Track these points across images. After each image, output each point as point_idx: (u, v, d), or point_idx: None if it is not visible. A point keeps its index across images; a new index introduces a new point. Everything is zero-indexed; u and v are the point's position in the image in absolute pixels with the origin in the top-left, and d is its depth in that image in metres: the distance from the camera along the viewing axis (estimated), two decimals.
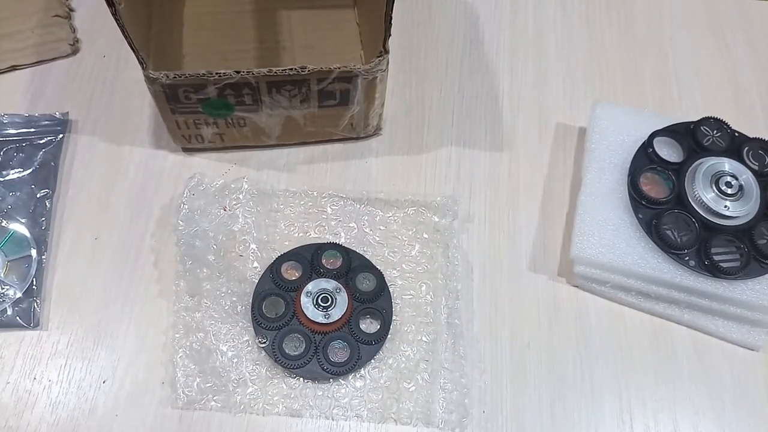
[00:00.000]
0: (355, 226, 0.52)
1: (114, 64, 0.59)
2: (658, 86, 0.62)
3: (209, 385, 0.45)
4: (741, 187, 0.50)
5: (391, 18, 0.45)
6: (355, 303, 0.48)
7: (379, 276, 0.49)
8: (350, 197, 0.53)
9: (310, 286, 0.48)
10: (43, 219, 0.51)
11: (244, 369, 0.46)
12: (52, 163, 0.54)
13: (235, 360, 0.46)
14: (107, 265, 0.50)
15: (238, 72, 0.46)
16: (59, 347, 0.47)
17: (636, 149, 0.53)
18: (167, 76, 0.46)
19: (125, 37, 0.43)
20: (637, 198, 0.51)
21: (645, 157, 0.52)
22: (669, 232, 0.48)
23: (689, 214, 0.49)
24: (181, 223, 0.51)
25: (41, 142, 0.54)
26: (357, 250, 0.51)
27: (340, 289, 0.48)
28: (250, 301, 0.48)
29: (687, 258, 0.48)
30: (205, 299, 0.48)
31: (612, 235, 0.50)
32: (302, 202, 0.53)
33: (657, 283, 0.49)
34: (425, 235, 0.52)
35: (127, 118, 0.57)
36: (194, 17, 0.59)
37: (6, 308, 0.48)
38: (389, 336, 0.47)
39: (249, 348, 0.47)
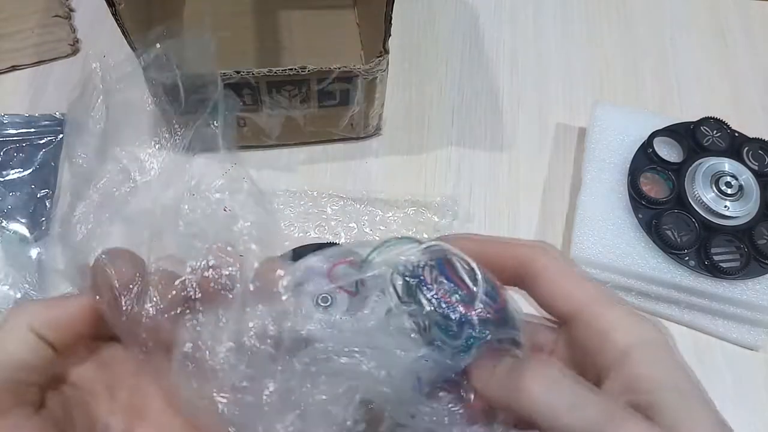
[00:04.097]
0: (355, 226, 0.52)
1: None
2: (658, 86, 0.62)
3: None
4: (741, 187, 0.50)
5: (391, 18, 0.45)
6: None
7: None
8: (350, 197, 0.53)
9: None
10: (43, 219, 0.51)
11: None
12: (52, 163, 0.54)
13: None
14: None
15: (238, 72, 0.46)
16: None
17: (636, 149, 0.53)
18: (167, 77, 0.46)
19: (125, 37, 0.43)
20: (637, 198, 0.51)
21: (645, 157, 0.52)
22: (669, 232, 0.48)
23: (689, 214, 0.49)
24: (180, 223, 0.51)
25: (41, 142, 0.54)
26: None
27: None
28: None
29: (687, 258, 0.48)
30: None
31: (612, 235, 0.50)
32: (302, 202, 0.53)
33: (657, 283, 0.49)
34: (425, 235, 0.52)
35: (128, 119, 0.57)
36: (194, 17, 0.59)
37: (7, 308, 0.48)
38: None
39: None
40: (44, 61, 0.59)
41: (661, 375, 0.25)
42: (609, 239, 0.50)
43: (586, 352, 0.27)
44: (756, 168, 0.51)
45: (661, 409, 0.24)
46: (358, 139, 0.57)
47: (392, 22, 0.45)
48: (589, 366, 0.27)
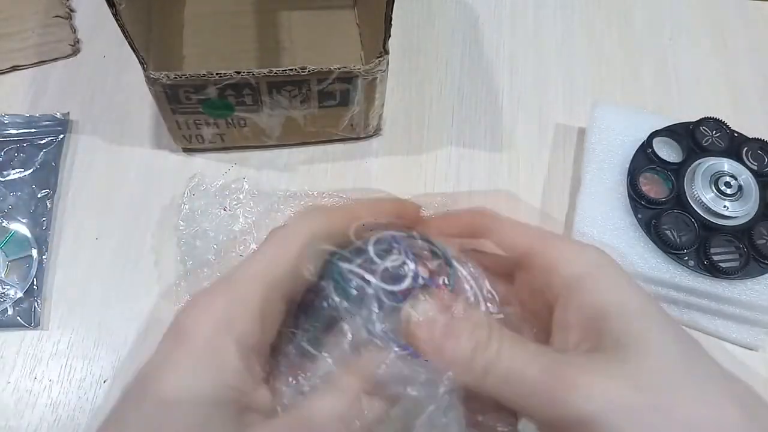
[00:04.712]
0: None
1: (114, 65, 0.60)
2: (658, 86, 0.62)
3: None
4: (740, 187, 0.50)
5: (391, 19, 0.45)
6: None
7: None
8: (350, 197, 0.53)
9: None
10: (44, 219, 0.51)
11: None
12: (53, 164, 0.54)
13: None
14: (108, 265, 0.50)
15: (238, 72, 0.47)
16: (60, 347, 0.47)
17: (635, 149, 0.53)
18: (168, 77, 0.46)
19: (126, 37, 0.43)
20: (636, 198, 0.51)
21: (644, 158, 0.52)
22: (668, 232, 0.48)
23: (688, 214, 0.49)
24: (181, 223, 0.51)
25: (42, 142, 0.55)
26: None
27: None
28: None
29: (686, 258, 0.48)
30: None
31: (611, 235, 0.50)
32: (302, 203, 0.53)
33: (656, 283, 0.49)
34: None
35: (128, 119, 0.57)
36: (195, 17, 0.59)
37: (7, 308, 0.48)
38: None
39: None
40: (45, 61, 0.59)
41: (607, 301, 0.25)
42: (608, 239, 0.50)
43: (538, 292, 0.27)
44: (755, 168, 0.51)
45: (610, 336, 0.24)
46: (358, 139, 0.57)
47: (392, 22, 0.46)
48: (542, 306, 0.27)
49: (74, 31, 0.61)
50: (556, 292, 0.26)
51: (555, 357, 0.24)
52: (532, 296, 0.27)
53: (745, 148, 0.52)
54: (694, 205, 0.50)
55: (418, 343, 0.27)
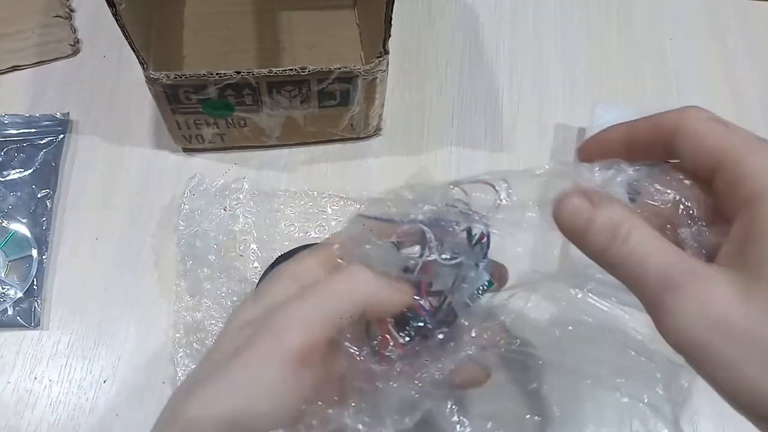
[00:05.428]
0: None
1: (115, 65, 0.60)
2: (658, 86, 0.62)
3: None
4: None
5: (391, 19, 0.45)
6: None
7: None
8: (350, 197, 0.53)
9: None
10: (44, 219, 0.51)
11: None
12: (53, 164, 0.54)
13: None
14: (108, 265, 0.50)
15: (238, 72, 0.47)
16: (60, 347, 0.47)
17: None
18: (168, 77, 0.46)
19: (126, 37, 0.43)
20: (636, 198, 0.51)
21: None
22: (669, 233, 0.48)
23: None
24: (181, 223, 0.51)
25: (42, 142, 0.55)
26: None
27: None
28: None
29: None
30: (205, 299, 0.48)
31: None
32: (302, 202, 0.53)
33: None
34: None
35: (128, 119, 0.57)
36: (195, 18, 0.59)
37: (7, 308, 0.48)
38: None
39: None
40: (45, 61, 0.59)
41: None
42: None
43: (721, 202, 0.24)
44: None
45: (757, 257, 0.22)
46: (358, 139, 0.57)
47: (392, 22, 0.46)
48: (722, 217, 0.25)
49: (74, 31, 0.61)
50: (736, 206, 0.24)
51: (681, 258, 0.23)
52: (717, 204, 0.25)
53: None
54: None
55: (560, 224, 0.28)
